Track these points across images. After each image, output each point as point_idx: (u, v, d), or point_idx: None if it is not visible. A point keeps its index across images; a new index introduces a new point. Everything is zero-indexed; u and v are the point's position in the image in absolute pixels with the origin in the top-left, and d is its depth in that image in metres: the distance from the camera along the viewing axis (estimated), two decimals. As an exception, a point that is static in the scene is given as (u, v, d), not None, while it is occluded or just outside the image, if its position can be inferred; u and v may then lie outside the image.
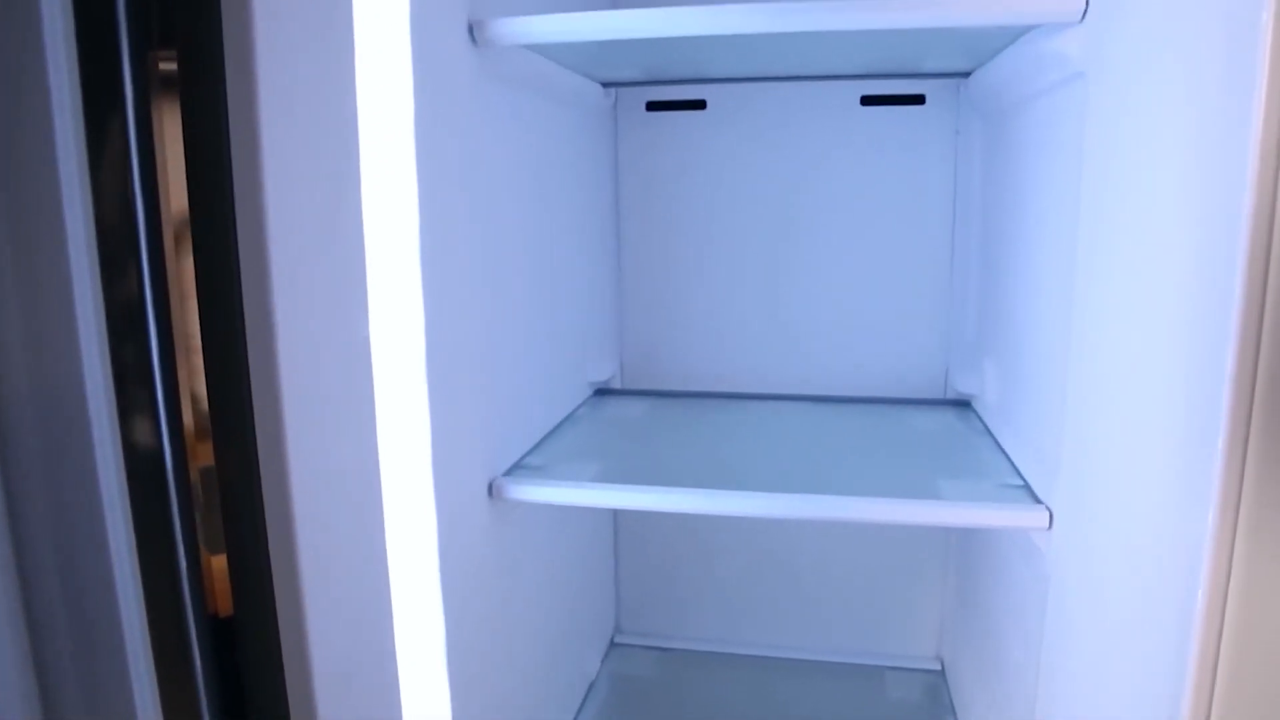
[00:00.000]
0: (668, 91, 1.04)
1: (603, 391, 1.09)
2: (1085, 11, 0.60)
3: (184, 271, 0.43)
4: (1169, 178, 0.48)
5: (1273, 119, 0.40)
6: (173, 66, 0.41)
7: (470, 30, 0.67)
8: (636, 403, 1.05)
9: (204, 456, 0.44)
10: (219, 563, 0.46)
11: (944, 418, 0.97)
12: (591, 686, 1.08)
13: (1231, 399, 0.42)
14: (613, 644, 1.17)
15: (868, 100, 1.00)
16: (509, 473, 0.78)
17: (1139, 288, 0.52)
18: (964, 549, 1.04)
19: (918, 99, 0.99)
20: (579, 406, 1.02)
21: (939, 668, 1.11)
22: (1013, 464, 0.79)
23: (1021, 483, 0.73)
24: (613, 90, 1.04)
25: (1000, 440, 0.86)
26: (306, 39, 0.46)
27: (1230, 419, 0.42)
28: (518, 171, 0.80)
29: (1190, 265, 0.45)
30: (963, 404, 1.02)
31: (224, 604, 0.46)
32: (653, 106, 1.04)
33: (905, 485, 0.75)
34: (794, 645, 1.14)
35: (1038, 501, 0.69)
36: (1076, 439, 0.62)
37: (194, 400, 0.44)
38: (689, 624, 1.17)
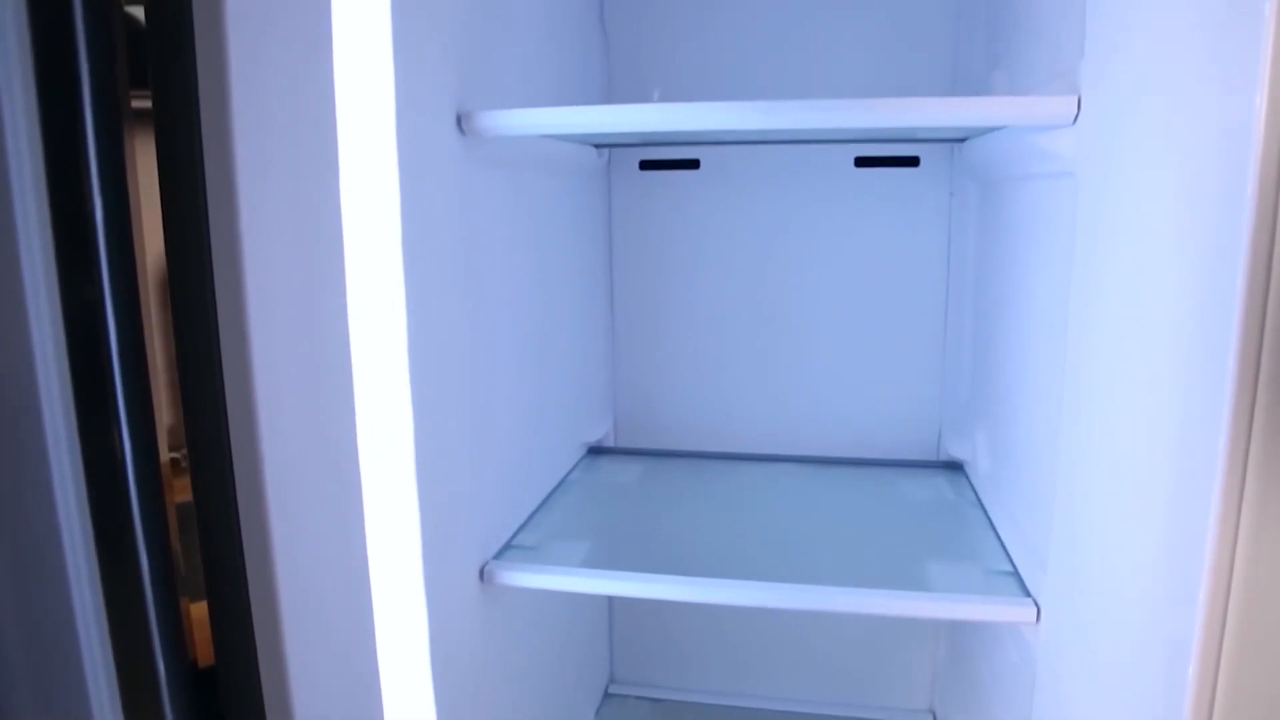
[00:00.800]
0: (661, 151, 1.04)
1: (596, 450, 1.09)
2: (1077, 116, 0.60)
3: (168, 345, 0.43)
4: (1160, 281, 0.48)
5: (1264, 227, 0.40)
6: (152, 164, 0.41)
7: (459, 120, 0.67)
8: (629, 465, 1.05)
9: (188, 537, 0.44)
10: (200, 613, 0.45)
11: (936, 483, 0.97)
12: (586, 739, 1.09)
13: (1222, 495, 0.42)
14: (607, 694, 1.17)
15: (861, 161, 1.00)
16: (501, 555, 0.78)
17: (1129, 382, 0.52)
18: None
19: (912, 161, 0.99)
20: (572, 469, 1.02)
21: (931, 720, 1.12)
22: (1002, 544, 0.79)
23: (1010, 568, 0.74)
24: (606, 150, 1.03)
25: (990, 513, 0.86)
26: (289, 134, 0.46)
27: (1221, 517, 0.42)
28: (509, 240, 0.80)
29: (1183, 361, 0.45)
30: (955, 466, 1.02)
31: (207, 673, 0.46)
32: (646, 166, 1.04)
33: (895, 568, 0.76)
34: (788, 696, 1.15)
35: (1026, 594, 0.69)
36: (1066, 528, 0.62)
37: (177, 481, 0.44)
38: (684, 674, 1.17)
